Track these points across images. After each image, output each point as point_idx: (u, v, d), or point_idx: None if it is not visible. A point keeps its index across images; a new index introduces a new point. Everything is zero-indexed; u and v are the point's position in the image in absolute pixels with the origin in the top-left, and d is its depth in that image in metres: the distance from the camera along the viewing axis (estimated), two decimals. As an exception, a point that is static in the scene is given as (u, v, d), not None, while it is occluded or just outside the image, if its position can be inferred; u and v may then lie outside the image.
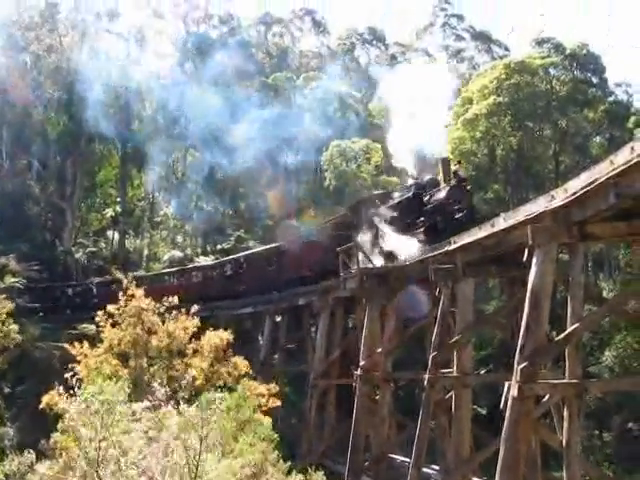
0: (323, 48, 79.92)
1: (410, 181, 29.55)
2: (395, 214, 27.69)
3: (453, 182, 25.89)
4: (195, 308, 22.76)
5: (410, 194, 27.65)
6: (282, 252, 38.22)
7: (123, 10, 64.44)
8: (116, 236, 61.81)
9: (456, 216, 24.92)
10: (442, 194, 25.83)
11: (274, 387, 22.46)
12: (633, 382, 19.34)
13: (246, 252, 45.79)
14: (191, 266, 49.60)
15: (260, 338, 40.72)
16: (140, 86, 60.15)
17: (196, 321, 21.90)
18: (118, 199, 62.97)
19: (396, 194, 29.80)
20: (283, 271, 37.62)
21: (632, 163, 12.75)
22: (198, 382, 19.06)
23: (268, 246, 42.72)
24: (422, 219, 26.26)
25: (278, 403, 20.85)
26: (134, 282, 22.67)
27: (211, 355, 20.97)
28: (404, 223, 27.00)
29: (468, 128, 42.64)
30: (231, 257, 46.23)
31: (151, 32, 63.86)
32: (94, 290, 49.33)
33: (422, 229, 25.90)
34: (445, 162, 27.12)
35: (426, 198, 26.75)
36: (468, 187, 27.11)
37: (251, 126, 59.78)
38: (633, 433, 32.49)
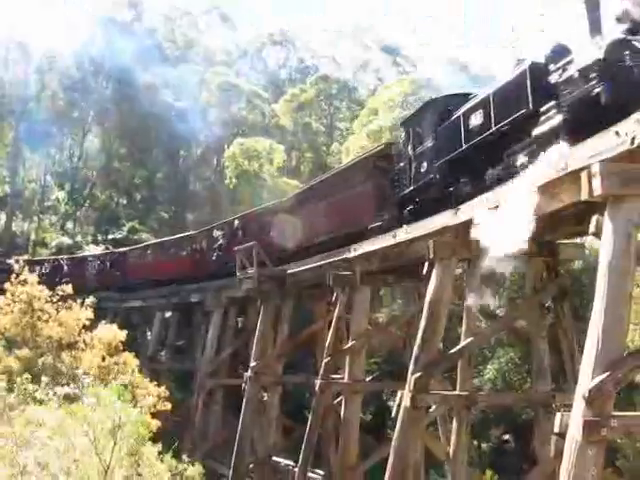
0: (231, 45, 79.20)
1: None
2: (481, 115, 15.92)
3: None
4: (91, 300, 22.07)
5: (523, 69, 14.73)
6: (295, 206, 28.36)
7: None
8: (3, 217, 59.22)
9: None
10: (597, 51, 12.98)
11: (164, 390, 22.00)
12: (518, 397, 20.20)
13: (243, 213, 34.87)
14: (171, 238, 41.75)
15: (149, 333, 39.87)
16: (41, 64, 58.04)
17: (89, 312, 21.22)
18: (7, 179, 60.41)
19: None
20: (296, 235, 27.92)
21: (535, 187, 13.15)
22: (89, 377, 18.47)
23: (274, 202, 32.72)
24: (553, 104, 13.87)
25: (168, 406, 20.45)
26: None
27: (102, 350, 20.36)
28: (514, 126, 14.80)
29: (372, 139, 43.25)
30: (222, 221, 36.31)
31: (54, 8, 61.63)
32: None
33: (560, 121, 13.55)
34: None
35: (557, 73, 14.17)
36: None
37: (152, 116, 58.81)
38: (510, 445, 33.74)
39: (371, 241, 20.74)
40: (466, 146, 16.38)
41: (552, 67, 14.47)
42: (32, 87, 59.21)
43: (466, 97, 17.70)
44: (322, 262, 23.91)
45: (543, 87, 14.30)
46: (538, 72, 14.49)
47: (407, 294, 25.63)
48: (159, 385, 22.30)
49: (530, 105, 14.28)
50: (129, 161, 61.74)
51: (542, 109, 14.14)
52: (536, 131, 14.08)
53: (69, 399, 15.24)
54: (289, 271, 26.45)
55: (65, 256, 48.58)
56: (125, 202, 62.45)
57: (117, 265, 43.67)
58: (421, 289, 21.59)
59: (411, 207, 19.34)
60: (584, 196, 10.88)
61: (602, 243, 10.67)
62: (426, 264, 17.28)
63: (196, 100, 59.45)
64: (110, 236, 55.99)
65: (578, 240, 18.89)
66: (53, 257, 48.92)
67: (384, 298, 43.10)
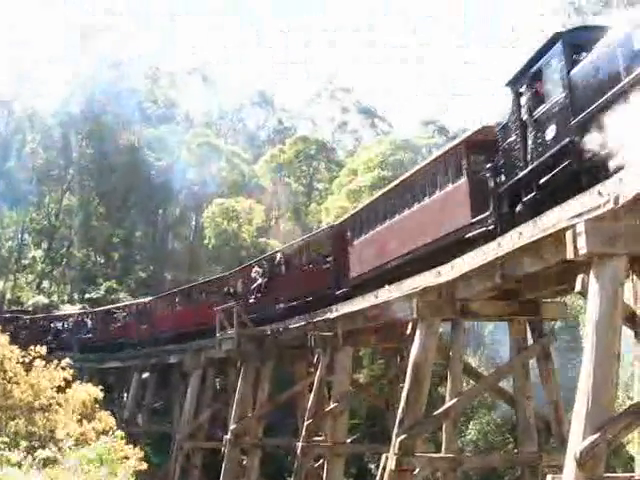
0: (212, 105, 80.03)
1: None
2: None
3: None
4: (67, 361, 21.54)
5: None
6: (358, 226, 22.95)
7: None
8: (-23, 276, 58.46)
9: None
10: None
11: (138, 451, 21.36)
12: (504, 458, 19.92)
13: (288, 244, 30.47)
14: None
15: (125, 395, 39.15)
16: (22, 121, 58.22)
17: (65, 373, 20.67)
18: (-17, 237, 59.96)
19: None
20: (350, 264, 22.97)
21: (518, 247, 13.24)
22: (63, 440, 17.91)
23: (329, 225, 28.41)
24: None
25: (144, 466, 19.83)
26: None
27: (78, 411, 19.79)
28: None
29: (351, 199, 43.58)
30: (261, 257, 32.03)
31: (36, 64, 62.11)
32: None
33: None
34: None
35: None
36: None
37: (132, 175, 58.96)
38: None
39: (353, 301, 20.67)
40: (630, 78, 10.89)
41: None
42: (12, 144, 59.30)
43: (597, 29, 12.96)
44: (303, 322, 23.76)
45: None
46: None
47: (388, 354, 25.42)
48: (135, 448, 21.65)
49: None
50: (107, 220, 61.52)
51: None
52: None
53: (47, 463, 14.72)
54: (270, 332, 26.23)
55: (89, 310, 46.04)
56: (103, 261, 61.97)
57: (143, 317, 39.69)
58: (403, 349, 21.57)
59: (530, 196, 13.79)
60: (569, 255, 10.91)
61: (589, 302, 10.66)
62: (409, 324, 17.25)
63: (176, 160, 59.73)
64: (87, 295, 55.33)
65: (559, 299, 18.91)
66: (78, 312, 46.54)
67: (364, 358, 42.81)
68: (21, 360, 20.76)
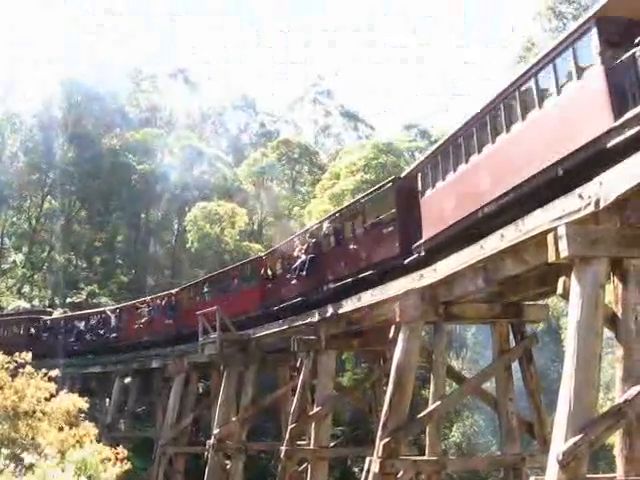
0: (194, 108, 79.82)
1: None
2: None
3: None
4: (56, 372, 21.28)
5: None
6: (436, 166, 17.55)
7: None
8: (-44, 280, 57.87)
9: None
10: None
11: (122, 451, 21.17)
12: (488, 461, 19.98)
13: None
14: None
15: (107, 400, 38.87)
16: (1, 125, 57.74)
17: (51, 385, 20.46)
18: (-38, 241, 59.41)
19: None
20: (423, 222, 17.89)
21: (501, 249, 13.30)
22: (51, 448, 17.73)
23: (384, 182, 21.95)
24: None
25: (128, 466, 19.63)
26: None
27: (62, 420, 19.59)
28: None
29: (334, 202, 43.60)
30: (303, 230, 27.20)
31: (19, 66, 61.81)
32: None
33: None
34: None
35: None
36: None
37: (114, 179, 58.68)
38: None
39: (336, 304, 20.65)
40: None
41: None
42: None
43: None
44: (286, 326, 23.73)
45: None
46: None
47: (371, 357, 25.44)
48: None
49: None
50: (89, 224, 61.20)
51: None
52: None
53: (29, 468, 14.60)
54: (252, 335, 26.17)
55: (111, 307, 42.47)
56: (84, 265, 61.56)
57: (169, 311, 35.12)
58: (386, 353, 21.61)
59: None
60: (551, 258, 10.97)
61: (570, 305, 10.72)
62: (392, 327, 17.27)
63: (158, 163, 59.51)
64: (68, 300, 54.91)
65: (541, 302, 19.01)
66: (100, 309, 43.03)
67: (347, 361, 42.83)
68: (5, 366, 20.61)
